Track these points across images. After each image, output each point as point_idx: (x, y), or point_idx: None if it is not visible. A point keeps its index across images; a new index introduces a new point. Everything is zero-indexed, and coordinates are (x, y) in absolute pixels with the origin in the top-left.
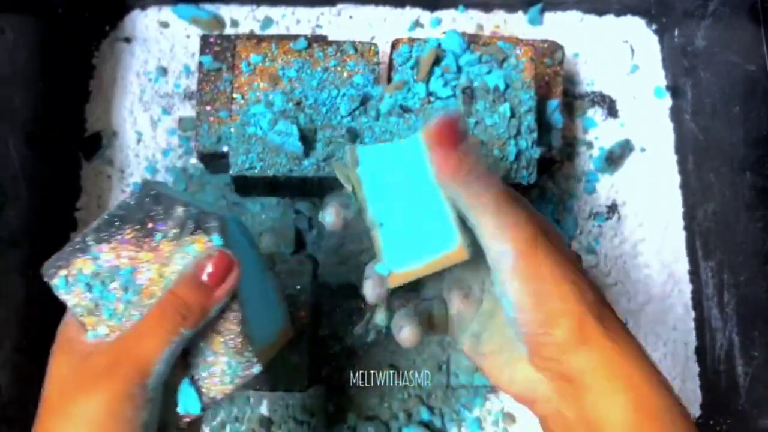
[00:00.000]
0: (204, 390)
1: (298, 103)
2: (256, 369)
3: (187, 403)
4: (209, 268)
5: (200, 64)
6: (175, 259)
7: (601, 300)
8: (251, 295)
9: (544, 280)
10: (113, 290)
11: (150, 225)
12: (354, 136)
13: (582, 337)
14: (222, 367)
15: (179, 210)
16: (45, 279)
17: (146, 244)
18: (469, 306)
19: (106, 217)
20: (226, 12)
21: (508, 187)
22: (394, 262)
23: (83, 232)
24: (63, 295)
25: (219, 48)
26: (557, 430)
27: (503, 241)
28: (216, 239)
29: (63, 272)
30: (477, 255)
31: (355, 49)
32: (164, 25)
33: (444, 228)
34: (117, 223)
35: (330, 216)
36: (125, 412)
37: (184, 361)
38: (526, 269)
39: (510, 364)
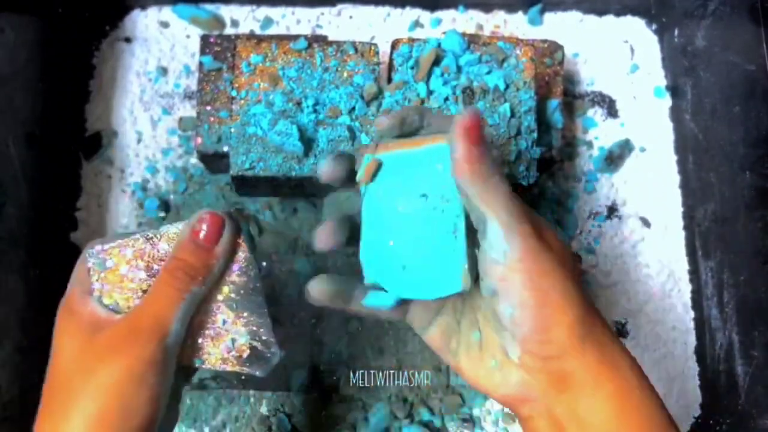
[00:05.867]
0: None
1: (298, 103)
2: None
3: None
4: (203, 230)
5: (200, 64)
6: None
7: (591, 306)
8: None
9: (547, 276)
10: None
11: None
12: (354, 135)
13: (574, 343)
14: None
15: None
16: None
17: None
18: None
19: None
20: (226, 12)
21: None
22: (397, 289)
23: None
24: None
25: (219, 48)
26: (543, 426)
27: (513, 235)
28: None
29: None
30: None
31: (355, 49)
32: (164, 25)
33: (452, 265)
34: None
35: (325, 167)
36: (148, 376)
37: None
38: (532, 265)
39: (503, 367)
